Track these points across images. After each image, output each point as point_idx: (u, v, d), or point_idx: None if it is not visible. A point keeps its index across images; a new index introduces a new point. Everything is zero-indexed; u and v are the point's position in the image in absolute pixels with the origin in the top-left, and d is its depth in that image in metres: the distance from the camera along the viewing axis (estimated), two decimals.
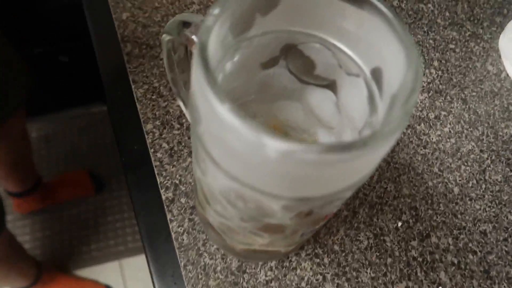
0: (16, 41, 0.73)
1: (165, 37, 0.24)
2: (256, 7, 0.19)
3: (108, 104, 0.36)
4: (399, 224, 0.33)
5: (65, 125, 1.14)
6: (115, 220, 1.06)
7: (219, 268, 0.30)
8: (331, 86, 0.24)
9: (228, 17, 0.19)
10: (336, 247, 0.32)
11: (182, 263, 0.30)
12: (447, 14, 0.43)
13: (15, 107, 0.71)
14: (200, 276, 0.30)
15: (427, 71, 0.40)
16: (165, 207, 0.32)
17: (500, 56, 0.41)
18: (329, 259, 0.31)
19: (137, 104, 0.35)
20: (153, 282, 0.30)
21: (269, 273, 0.30)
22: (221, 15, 0.17)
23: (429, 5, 0.44)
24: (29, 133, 1.10)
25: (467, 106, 0.39)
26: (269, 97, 0.27)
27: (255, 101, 0.27)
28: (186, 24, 0.23)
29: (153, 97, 0.36)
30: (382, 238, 0.33)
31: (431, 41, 0.42)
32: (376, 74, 0.20)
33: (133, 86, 0.36)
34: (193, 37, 0.23)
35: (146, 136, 0.34)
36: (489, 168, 0.36)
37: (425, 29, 0.42)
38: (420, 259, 0.32)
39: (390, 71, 0.19)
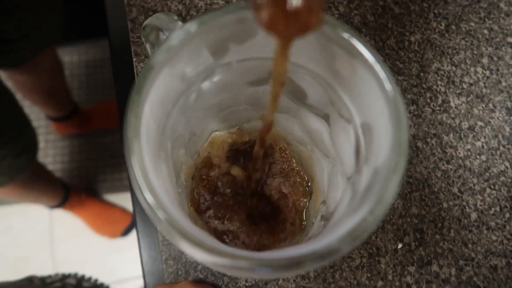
0: None
1: (145, 42, 0.21)
2: (229, 38, 0.16)
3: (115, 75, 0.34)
4: (399, 245, 0.31)
5: (104, 54, 1.14)
6: None
7: (200, 267, 0.30)
8: (325, 118, 0.20)
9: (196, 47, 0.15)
10: None
11: (164, 257, 0.30)
12: None
13: (48, 40, 0.71)
14: (180, 273, 0.30)
15: (471, 69, 0.34)
16: None
17: None
18: (315, 273, 0.30)
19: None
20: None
21: (250, 279, 0.30)
22: (171, 57, 0.14)
23: None
24: (70, 57, 1.12)
25: (511, 118, 0.33)
26: (262, 108, 0.24)
27: (247, 110, 0.24)
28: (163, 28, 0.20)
29: None
30: (377, 258, 0.30)
31: (485, 31, 0.35)
32: (366, 130, 0.16)
33: (134, 59, 0.33)
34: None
35: None
36: None
37: (482, 15, 0.35)
38: (414, 287, 0.30)
39: (379, 135, 0.15)
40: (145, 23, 0.20)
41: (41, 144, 1.03)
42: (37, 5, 0.62)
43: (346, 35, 0.14)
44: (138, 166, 0.12)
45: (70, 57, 1.14)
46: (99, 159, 1.10)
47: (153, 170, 0.13)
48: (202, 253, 0.11)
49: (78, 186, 1.00)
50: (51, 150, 1.10)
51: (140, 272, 0.31)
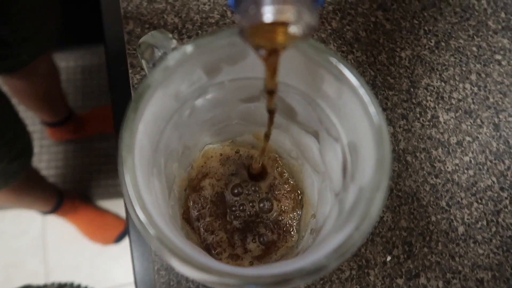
0: None
1: (141, 58, 0.22)
2: (222, 59, 0.16)
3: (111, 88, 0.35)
4: (388, 258, 0.31)
5: (100, 59, 1.15)
6: None
7: (191, 277, 0.30)
8: (315, 134, 0.21)
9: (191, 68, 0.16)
10: None
11: (156, 268, 0.30)
12: (502, 15, 0.37)
13: (45, 46, 0.71)
14: (171, 283, 0.30)
15: (460, 85, 0.35)
16: None
17: None
18: (305, 285, 0.30)
19: (132, 91, 0.33)
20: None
21: None
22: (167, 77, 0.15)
23: (483, 1, 0.37)
24: (64, 62, 1.12)
25: (498, 134, 0.34)
26: (254, 122, 0.24)
27: (239, 124, 0.24)
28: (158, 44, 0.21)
29: None
30: (366, 270, 0.31)
31: (474, 49, 0.36)
32: (352, 149, 0.17)
33: (130, 71, 0.34)
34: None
35: None
36: (506, 210, 0.32)
37: (471, 33, 0.36)
38: None
39: (364, 155, 0.16)
40: (140, 40, 0.21)
41: (36, 149, 1.03)
42: (35, 10, 0.62)
43: (333, 60, 0.14)
44: (131, 183, 0.13)
45: (65, 62, 1.14)
46: (93, 164, 1.10)
47: (145, 186, 0.14)
48: (191, 269, 0.12)
49: (72, 191, 0.99)
50: (45, 155, 1.10)
51: (132, 279, 0.32)
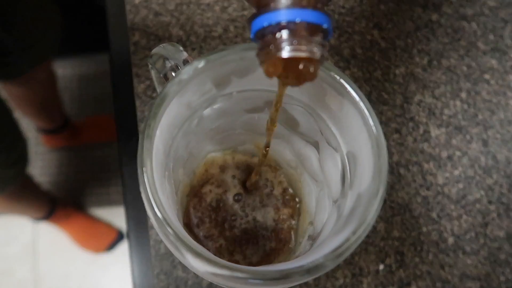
0: None
1: (151, 68, 0.23)
2: (231, 73, 0.18)
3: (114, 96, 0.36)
4: (381, 267, 0.32)
5: (97, 68, 1.16)
6: None
7: (190, 282, 0.31)
8: (315, 145, 0.22)
9: (203, 80, 0.17)
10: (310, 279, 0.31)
11: (155, 272, 0.31)
12: (491, 37, 0.39)
13: (45, 54, 0.72)
14: (170, 287, 0.31)
15: (451, 102, 0.37)
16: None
17: None
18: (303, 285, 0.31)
19: (135, 100, 0.35)
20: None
21: None
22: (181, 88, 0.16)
23: (473, 23, 0.39)
24: (62, 70, 1.13)
25: (487, 149, 0.35)
26: (256, 132, 0.25)
27: (242, 134, 0.26)
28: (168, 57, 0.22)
29: (154, 95, 0.35)
30: (359, 279, 0.32)
31: (464, 68, 0.38)
32: (351, 158, 0.18)
33: (134, 80, 0.35)
34: (172, 73, 0.22)
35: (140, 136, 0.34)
36: (493, 222, 0.34)
37: (461, 53, 0.38)
38: None
39: (362, 164, 0.17)
40: (153, 51, 0.22)
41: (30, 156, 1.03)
42: (37, 20, 0.64)
43: (337, 76, 0.16)
44: (150, 184, 0.14)
45: (62, 70, 1.15)
46: (87, 172, 1.10)
47: (160, 188, 0.15)
48: (205, 264, 0.13)
49: (65, 199, 0.99)
50: (39, 162, 1.09)
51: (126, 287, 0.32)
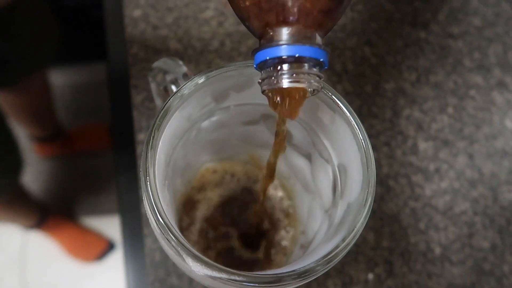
0: None
1: (151, 81, 0.24)
2: (230, 87, 0.19)
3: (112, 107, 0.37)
4: (370, 276, 0.33)
5: (91, 77, 1.16)
6: None
7: None
8: (307, 156, 0.23)
9: (202, 95, 0.18)
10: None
11: (150, 280, 0.31)
12: (476, 55, 0.40)
13: (41, 63, 0.73)
14: None
15: (438, 117, 0.38)
16: (143, 221, 0.33)
17: None
18: None
19: (133, 110, 0.35)
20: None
21: None
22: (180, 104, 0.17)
23: (460, 41, 0.41)
24: (56, 79, 1.13)
25: (472, 163, 0.37)
26: (252, 145, 0.26)
27: (238, 145, 0.27)
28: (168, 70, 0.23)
29: (151, 105, 0.36)
30: (349, 287, 0.33)
31: (451, 84, 0.39)
32: (342, 170, 0.19)
33: (132, 91, 0.36)
34: (172, 86, 0.23)
35: (136, 146, 0.34)
36: (478, 233, 0.35)
37: (448, 69, 0.40)
38: None
39: (352, 175, 0.18)
40: (153, 65, 0.23)
41: None
42: (35, 29, 0.64)
43: (328, 93, 0.17)
44: (153, 191, 0.15)
45: (57, 78, 1.15)
46: (79, 181, 1.09)
47: (161, 196, 0.16)
48: (204, 267, 0.14)
49: (56, 208, 0.99)
50: (31, 170, 1.09)
51: None
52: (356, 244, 0.34)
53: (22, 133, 1.04)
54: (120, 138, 0.36)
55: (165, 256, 0.32)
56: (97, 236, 0.99)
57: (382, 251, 0.34)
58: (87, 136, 1.07)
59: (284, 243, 0.29)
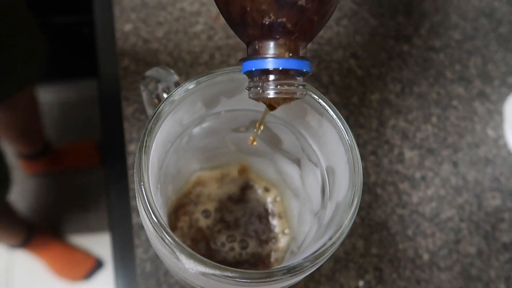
0: (36, 9, 0.73)
1: (143, 89, 0.24)
2: (220, 93, 0.19)
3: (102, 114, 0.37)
4: (361, 283, 0.33)
5: (80, 94, 1.16)
6: None
7: None
8: (297, 162, 0.24)
9: (194, 100, 0.19)
10: None
11: None
12: (458, 67, 0.42)
13: (29, 80, 0.73)
14: None
15: (423, 126, 0.39)
16: (134, 231, 0.33)
17: (502, 121, 0.40)
18: None
19: (124, 122, 0.36)
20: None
21: None
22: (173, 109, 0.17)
23: (441, 54, 0.42)
24: (45, 96, 1.13)
25: (457, 170, 0.38)
26: (242, 152, 0.27)
27: (228, 153, 0.27)
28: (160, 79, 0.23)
29: (142, 117, 0.36)
30: None
31: (434, 95, 0.40)
32: (330, 172, 0.20)
33: (123, 103, 0.36)
34: (164, 94, 0.23)
35: (127, 157, 0.35)
36: (465, 239, 0.36)
37: (431, 81, 0.41)
38: None
39: (340, 177, 0.19)
40: (146, 74, 0.23)
41: None
42: (21, 45, 0.64)
43: (315, 97, 0.18)
44: (147, 192, 0.15)
45: (45, 95, 1.15)
46: (66, 198, 1.08)
47: (155, 198, 0.16)
48: (197, 264, 0.14)
49: (42, 226, 0.97)
50: (18, 187, 1.07)
51: None
52: (346, 252, 0.34)
53: (9, 150, 1.03)
54: (110, 151, 0.36)
55: (156, 267, 0.32)
56: (85, 254, 0.97)
57: (371, 258, 0.34)
58: (76, 153, 1.07)
59: (275, 251, 0.29)
